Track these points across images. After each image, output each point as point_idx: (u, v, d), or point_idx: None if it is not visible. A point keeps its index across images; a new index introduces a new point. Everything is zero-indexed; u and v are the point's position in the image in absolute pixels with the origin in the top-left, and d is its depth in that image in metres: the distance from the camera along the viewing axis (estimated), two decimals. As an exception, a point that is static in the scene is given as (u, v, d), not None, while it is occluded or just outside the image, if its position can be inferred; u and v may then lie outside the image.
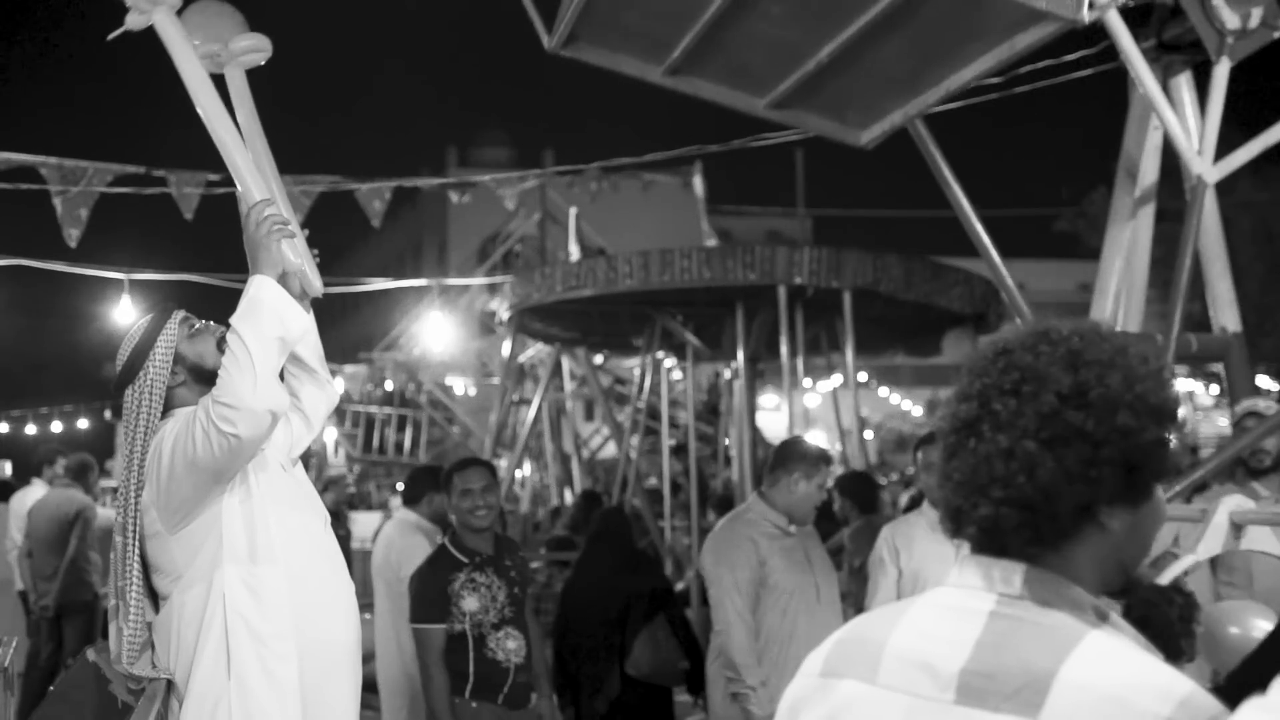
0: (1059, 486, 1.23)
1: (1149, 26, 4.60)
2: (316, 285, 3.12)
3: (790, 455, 4.22)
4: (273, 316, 2.74)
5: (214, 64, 3.18)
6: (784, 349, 8.95)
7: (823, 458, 4.25)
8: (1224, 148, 4.29)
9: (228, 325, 2.76)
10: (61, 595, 7.32)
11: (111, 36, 3.13)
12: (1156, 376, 1.27)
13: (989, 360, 1.31)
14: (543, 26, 3.65)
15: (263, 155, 3.20)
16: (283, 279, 2.91)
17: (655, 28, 3.69)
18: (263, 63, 3.30)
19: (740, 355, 9.55)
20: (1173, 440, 1.27)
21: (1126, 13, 4.21)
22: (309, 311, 3.14)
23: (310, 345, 3.16)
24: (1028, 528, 1.25)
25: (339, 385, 13.56)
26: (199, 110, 3.02)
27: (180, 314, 2.97)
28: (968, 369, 1.33)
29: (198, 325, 2.97)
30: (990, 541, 1.29)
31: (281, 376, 2.93)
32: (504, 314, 11.34)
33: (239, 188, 3.01)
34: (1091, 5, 3.19)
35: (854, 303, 8.85)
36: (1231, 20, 4.11)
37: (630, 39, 3.83)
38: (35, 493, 8.06)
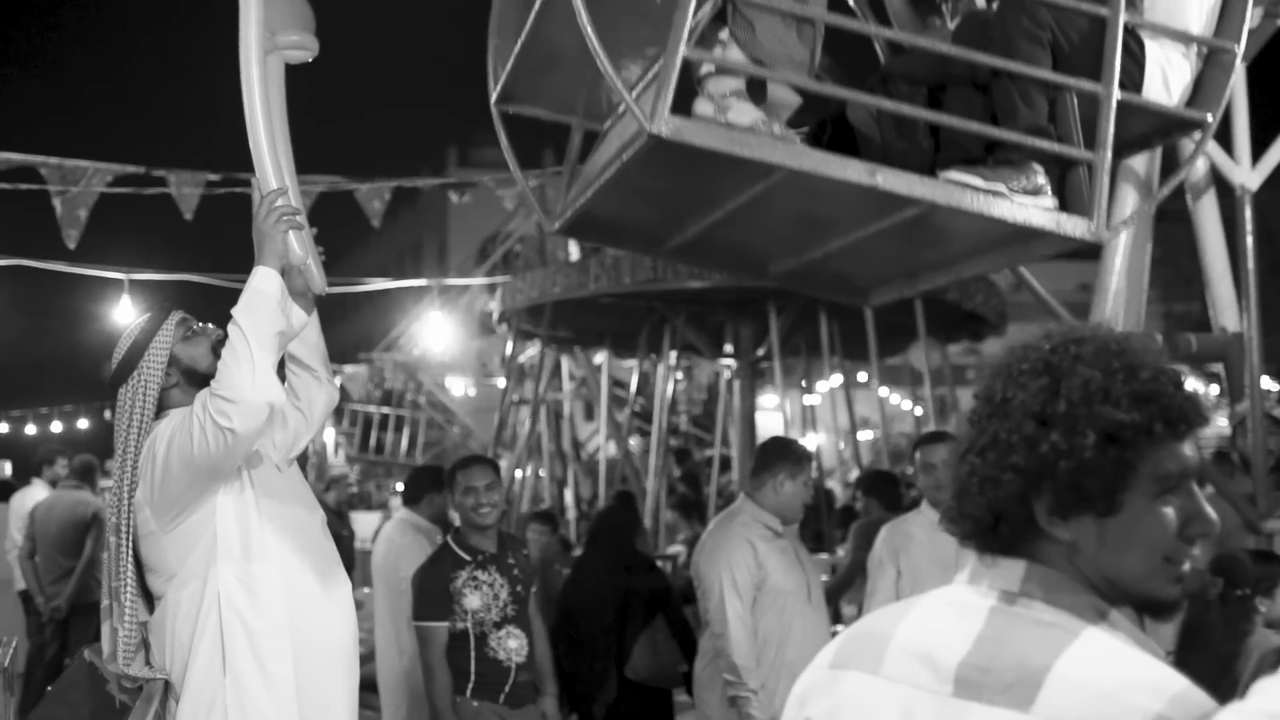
0: (969, 490, 1.31)
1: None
2: (320, 283, 3.13)
3: (773, 456, 4.21)
4: (274, 309, 2.75)
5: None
6: (785, 349, 8.96)
7: (805, 456, 4.24)
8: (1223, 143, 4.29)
9: (226, 329, 2.76)
10: (75, 597, 7.32)
11: None
12: (1100, 389, 1.25)
13: (983, 372, 1.38)
14: (542, 213, 3.73)
15: (284, 148, 3.20)
16: (286, 275, 2.91)
17: (658, 225, 3.78)
18: (309, 60, 3.29)
19: (768, 353, 9.49)
20: (1115, 455, 1.23)
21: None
22: (313, 309, 3.15)
23: (312, 343, 3.16)
24: (958, 523, 1.34)
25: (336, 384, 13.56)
26: (243, 85, 3.00)
27: (178, 315, 2.97)
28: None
29: (195, 327, 2.97)
30: (981, 540, 1.33)
31: (283, 375, 2.93)
32: (498, 314, 11.35)
33: (256, 172, 3.00)
34: (1109, 224, 3.17)
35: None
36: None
37: (631, 229, 3.91)
38: (36, 493, 8.05)
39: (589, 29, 2.70)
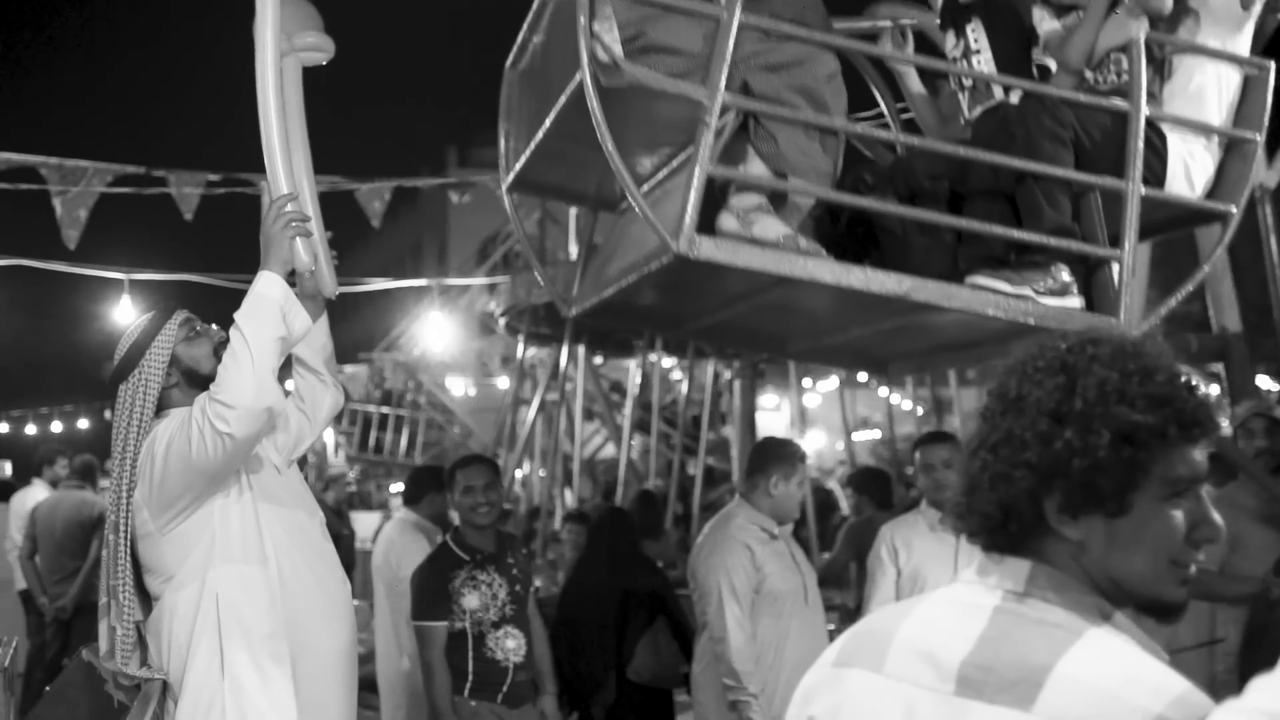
0: (979, 486, 1.31)
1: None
2: (331, 286, 3.13)
3: (766, 457, 4.21)
4: (276, 315, 2.74)
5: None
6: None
7: (799, 456, 4.23)
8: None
9: (229, 330, 2.76)
10: (81, 596, 7.31)
11: None
12: (1116, 389, 1.25)
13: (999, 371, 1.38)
14: (559, 300, 3.78)
15: (300, 151, 3.20)
16: (297, 278, 2.91)
17: (677, 313, 3.81)
18: (323, 63, 3.28)
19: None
20: (1128, 455, 1.24)
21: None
22: (322, 312, 3.15)
23: (319, 346, 3.16)
24: (965, 520, 1.34)
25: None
26: (258, 87, 3.00)
27: (182, 315, 2.97)
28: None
29: (198, 328, 2.97)
30: (989, 538, 1.33)
31: (288, 376, 2.94)
32: (500, 312, 11.33)
33: (267, 176, 3.01)
34: (1137, 320, 3.21)
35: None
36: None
37: (651, 317, 3.94)
38: (36, 493, 8.04)
39: (615, 158, 2.72)
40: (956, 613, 1.30)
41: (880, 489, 6.70)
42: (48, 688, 3.11)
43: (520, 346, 13.03)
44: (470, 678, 4.07)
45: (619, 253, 3.39)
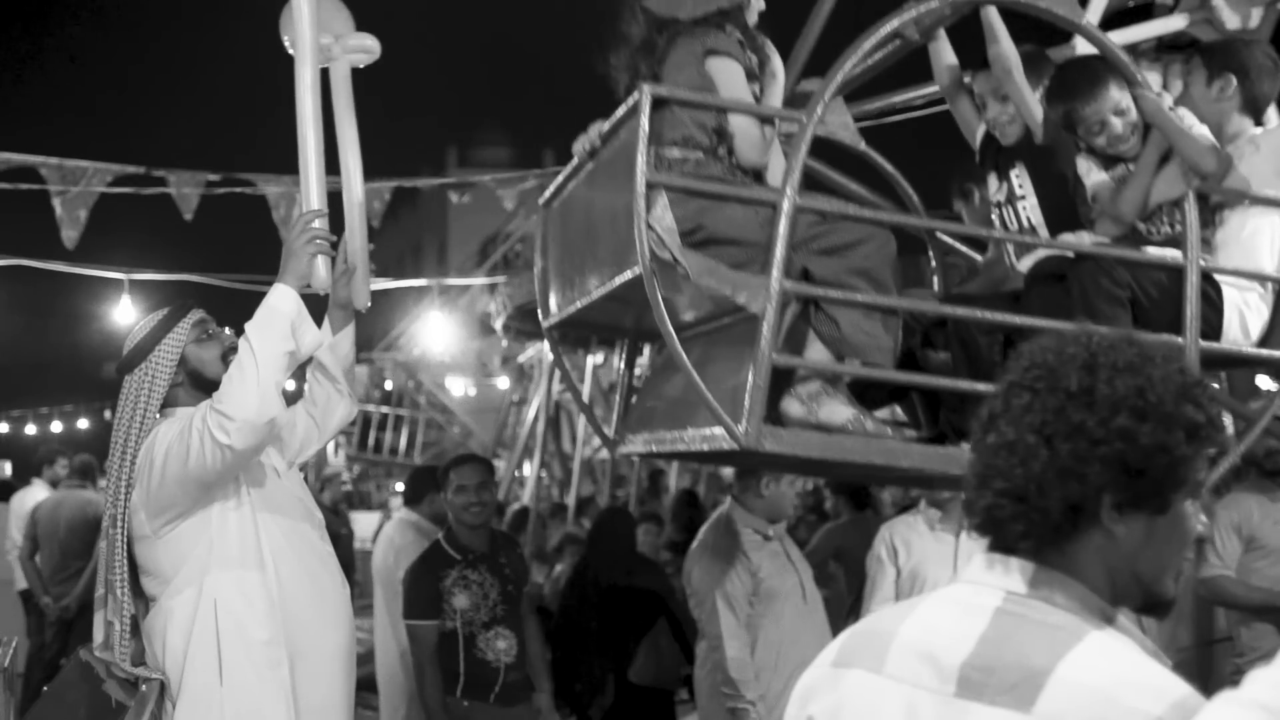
0: (1050, 480, 1.26)
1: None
2: (364, 299, 3.13)
3: None
4: (286, 329, 2.74)
5: (323, 56, 3.16)
6: None
7: None
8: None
9: (239, 334, 2.77)
10: (84, 596, 7.30)
11: None
12: (1180, 388, 1.28)
13: (1021, 359, 1.35)
14: (603, 436, 3.78)
15: (352, 155, 3.19)
16: (334, 285, 2.92)
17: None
18: (367, 64, 3.27)
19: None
20: (1192, 453, 1.27)
21: (1127, 12, 4.20)
22: (350, 321, 3.15)
23: (342, 355, 3.15)
24: (1020, 520, 1.28)
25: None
26: (298, 101, 2.99)
27: (197, 315, 2.96)
28: (1005, 369, 1.37)
29: (211, 331, 2.95)
30: (995, 536, 1.32)
31: (301, 380, 2.93)
32: (502, 314, 11.30)
33: (300, 189, 3.01)
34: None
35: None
36: (1232, 21, 4.10)
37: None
38: (36, 493, 8.04)
39: (678, 350, 2.73)
40: (957, 613, 1.30)
41: (858, 492, 6.69)
42: (46, 688, 3.11)
43: (543, 345, 13.00)
44: (462, 678, 4.07)
45: (669, 411, 3.30)
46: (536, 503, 11.79)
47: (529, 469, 15.06)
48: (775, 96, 3.08)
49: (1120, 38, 4.34)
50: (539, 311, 3.67)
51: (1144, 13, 4.56)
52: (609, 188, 2.95)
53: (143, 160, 7.75)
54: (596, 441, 17.63)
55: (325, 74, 3.21)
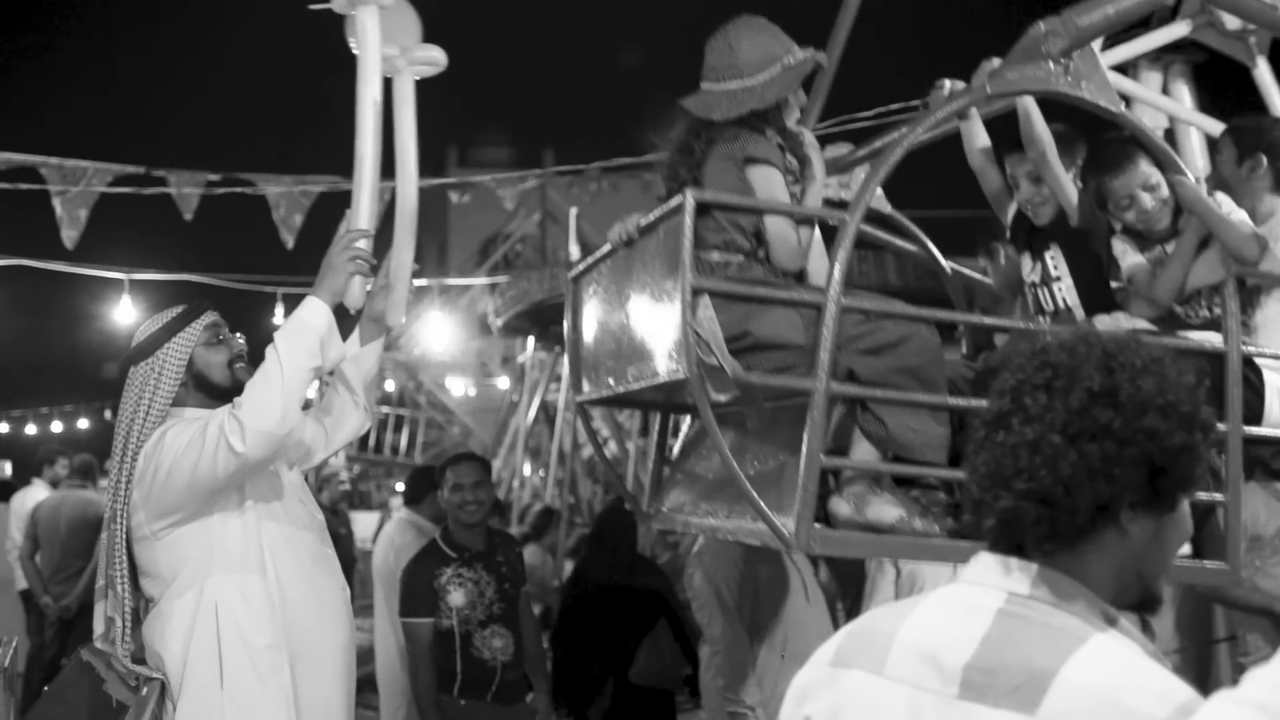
0: (1079, 481, 1.25)
1: (1148, 28, 4.60)
2: (399, 317, 3.13)
3: None
4: (315, 344, 2.73)
5: (388, 66, 3.11)
6: None
7: None
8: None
9: (246, 338, 2.77)
10: (85, 596, 7.30)
11: (314, 7, 3.01)
12: (1190, 387, 1.29)
13: (1026, 358, 1.34)
14: (637, 508, 3.71)
15: (410, 159, 3.17)
16: (370, 298, 2.95)
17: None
18: (433, 74, 3.23)
19: None
20: (1204, 452, 1.29)
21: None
22: (381, 336, 3.15)
23: (366, 368, 3.15)
24: (1045, 522, 1.27)
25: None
26: (359, 117, 2.96)
27: (211, 317, 2.94)
28: (1005, 366, 1.36)
29: (222, 335, 2.94)
30: (1007, 537, 1.31)
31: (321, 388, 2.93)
32: (495, 315, 11.32)
33: (352, 204, 2.98)
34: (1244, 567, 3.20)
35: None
36: (1232, 21, 4.12)
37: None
38: (37, 493, 8.04)
39: (733, 466, 2.70)
40: (958, 614, 1.29)
41: None
42: (46, 688, 3.10)
43: (527, 346, 13.01)
44: (459, 677, 4.07)
45: (708, 494, 3.25)
46: (562, 503, 11.78)
47: (528, 469, 15.07)
48: (814, 198, 3.03)
49: (1127, 51, 4.36)
50: (571, 385, 3.62)
51: (1142, 20, 4.58)
52: (646, 281, 2.93)
53: (143, 160, 7.76)
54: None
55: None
